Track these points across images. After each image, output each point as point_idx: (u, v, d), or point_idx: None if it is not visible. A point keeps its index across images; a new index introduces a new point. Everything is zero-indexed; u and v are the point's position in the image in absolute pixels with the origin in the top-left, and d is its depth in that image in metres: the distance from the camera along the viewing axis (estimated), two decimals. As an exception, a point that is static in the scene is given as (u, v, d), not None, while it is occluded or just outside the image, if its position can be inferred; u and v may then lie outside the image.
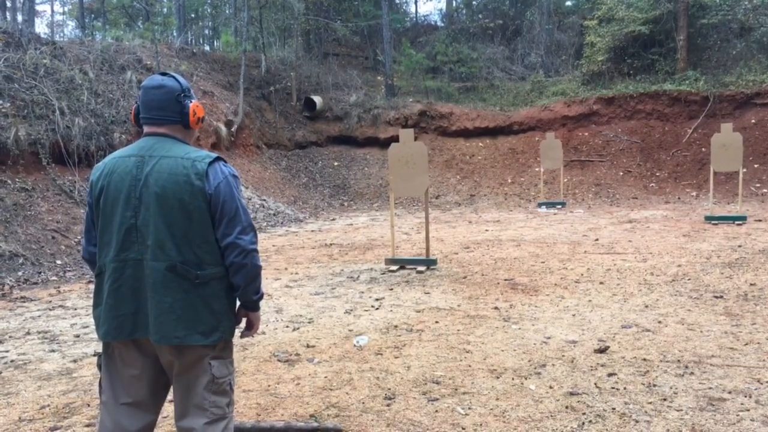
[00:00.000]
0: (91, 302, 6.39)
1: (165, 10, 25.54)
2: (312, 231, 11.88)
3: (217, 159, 2.21)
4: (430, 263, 7.57)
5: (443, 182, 16.89)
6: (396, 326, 5.12)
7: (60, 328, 5.46)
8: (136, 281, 2.12)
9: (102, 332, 2.16)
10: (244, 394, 3.73)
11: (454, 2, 27.39)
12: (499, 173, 17.24)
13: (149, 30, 19.39)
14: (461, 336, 4.79)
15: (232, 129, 16.06)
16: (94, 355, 4.54)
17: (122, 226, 2.13)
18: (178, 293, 2.10)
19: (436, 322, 5.23)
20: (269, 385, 3.88)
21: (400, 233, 10.72)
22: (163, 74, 2.26)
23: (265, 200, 14.04)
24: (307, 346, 4.65)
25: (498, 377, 3.88)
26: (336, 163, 18.13)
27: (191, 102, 2.25)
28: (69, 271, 8.25)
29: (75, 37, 19.06)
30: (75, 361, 4.52)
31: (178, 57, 17.62)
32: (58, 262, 8.52)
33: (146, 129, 2.23)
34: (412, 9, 28.19)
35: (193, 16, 27.32)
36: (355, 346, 4.65)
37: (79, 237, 9.34)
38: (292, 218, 13.54)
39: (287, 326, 5.24)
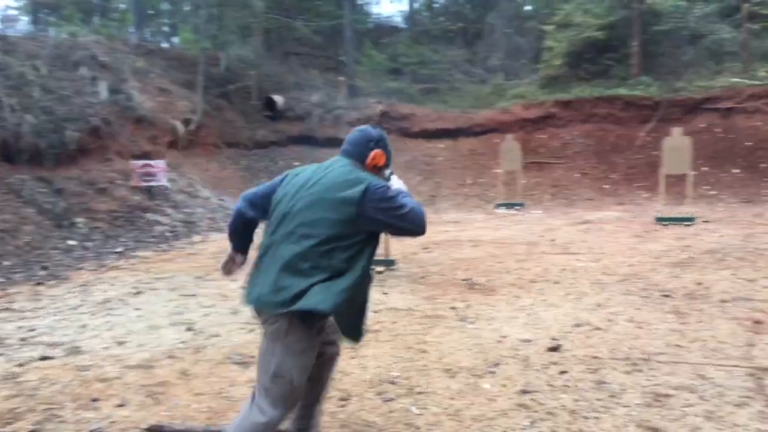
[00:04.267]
0: (37, 305, 6.23)
1: (122, 5, 24.96)
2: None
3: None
4: (389, 264, 7.59)
5: (405, 183, 16.91)
6: (353, 327, 5.11)
7: (6, 332, 5.30)
8: None
9: None
10: (195, 398, 3.68)
11: (415, 4, 27.54)
12: (460, 174, 17.38)
13: (105, 26, 18.98)
14: (418, 336, 4.82)
15: (190, 128, 15.83)
16: (43, 359, 4.43)
17: None
18: None
19: (394, 322, 5.25)
20: (222, 388, 3.83)
21: (360, 234, 10.72)
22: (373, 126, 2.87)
23: (223, 200, 13.88)
24: (263, 348, 4.61)
25: (453, 376, 3.92)
26: (297, 163, 18.01)
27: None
28: (16, 272, 8.00)
29: (28, 32, 18.53)
30: (20, 365, 4.39)
31: (134, 53, 17.29)
32: (6, 263, 8.27)
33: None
34: (375, 10, 28.23)
35: (151, 12, 26.79)
36: (311, 346, 4.62)
37: (28, 237, 9.10)
38: (251, 218, 13.41)
39: (242, 328, 5.19)
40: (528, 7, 27.57)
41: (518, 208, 14.54)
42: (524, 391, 3.63)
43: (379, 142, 2.79)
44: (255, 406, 2.50)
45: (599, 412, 3.30)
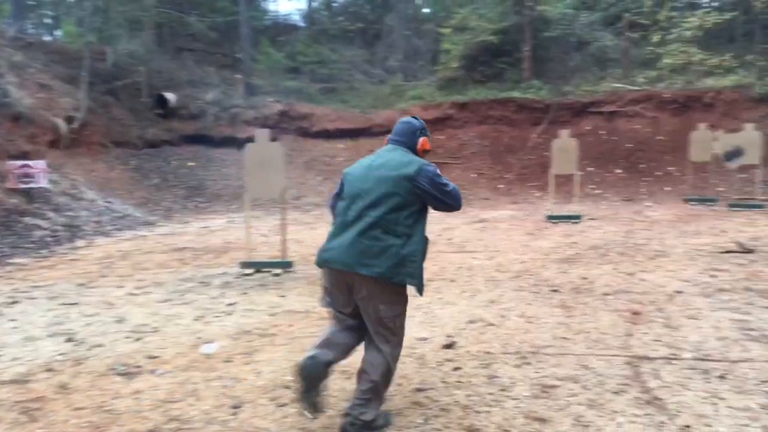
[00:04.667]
0: None
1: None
2: (163, 234, 11.31)
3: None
4: (286, 265, 7.46)
5: (304, 183, 16.79)
6: (248, 332, 4.98)
7: None
8: None
9: None
10: (74, 413, 3.44)
11: (314, 3, 27.37)
12: (359, 175, 17.43)
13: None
14: (315, 338, 4.74)
15: (74, 126, 14.92)
16: None
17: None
18: None
19: (291, 325, 5.15)
20: (104, 401, 3.60)
21: (258, 235, 10.49)
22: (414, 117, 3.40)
23: (110, 202, 13.17)
24: (150, 357, 4.39)
25: (350, 378, 3.88)
26: (191, 164, 17.42)
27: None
28: None
29: None
30: None
31: (11, 47, 16.09)
32: None
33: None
34: (272, 7, 27.79)
35: (31, 2, 25.05)
36: (203, 354, 4.46)
37: None
38: (141, 221, 12.81)
39: (128, 337, 4.92)
40: (426, 10, 28.09)
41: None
42: (419, 389, 3.65)
43: (424, 131, 3.37)
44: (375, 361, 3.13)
45: (490, 405, 3.37)
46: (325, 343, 3.15)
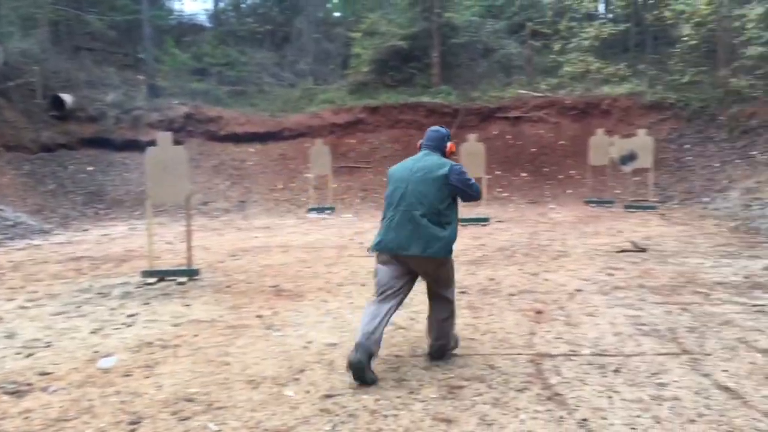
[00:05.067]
0: None
1: None
2: (59, 243, 10.69)
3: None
4: (192, 273, 7.22)
5: (212, 188, 16.35)
6: (150, 343, 4.76)
7: None
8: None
9: None
10: (-49, 439, 3.16)
11: (221, 3, 26.75)
12: (270, 179, 17.18)
13: None
14: (221, 348, 4.61)
15: (-41, 128, 13.86)
16: None
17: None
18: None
19: (195, 335, 4.97)
20: (-13, 424, 3.34)
21: (163, 243, 10.11)
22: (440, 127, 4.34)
23: (1, 210, 12.32)
24: (42, 374, 4.11)
25: (256, 387, 3.79)
26: (90, 168, 16.57)
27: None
28: None
29: None
30: None
31: None
32: None
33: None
34: (177, 7, 26.92)
35: None
36: (100, 369, 4.22)
37: None
38: (35, 230, 12.05)
39: (19, 353, 4.59)
40: (336, 14, 28.08)
41: (329, 212, 14.70)
42: (327, 396, 3.60)
43: (449, 137, 4.28)
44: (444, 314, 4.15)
45: (398, 409, 3.38)
46: (369, 327, 3.83)
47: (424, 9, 20.70)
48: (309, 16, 24.18)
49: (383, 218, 4.06)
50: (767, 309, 5.27)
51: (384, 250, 3.96)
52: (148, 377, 4.02)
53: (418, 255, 3.84)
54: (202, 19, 26.91)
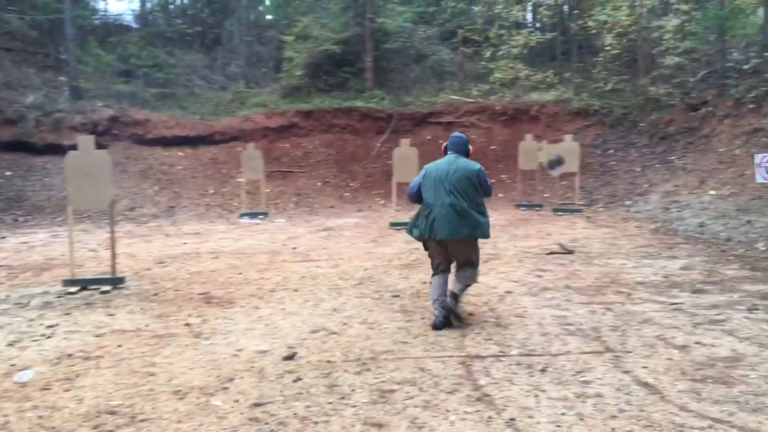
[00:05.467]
0: None
1: None
2: (-27, 252, 10.10)
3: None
4: (116, 282, 6.95)
5: (139, 193, 15.82)
6: (70, 355, 4.55)
7: None
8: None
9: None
10: None
11: (148, 4, 26.01)
12: (201, 184, 16.79)
13: None
14: (146, 358, 4.45)
15: None
16: None
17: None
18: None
19: (119, 346, 4.79)
20: None
21: (86, 250, 9.72)
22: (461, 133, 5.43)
23: None
24: (-49, 392, 3.86)
25: (182, 398, 3.68)
26: (8, 173, 15.72)
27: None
28: None
29: None
30: None
31: None
32: None
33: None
34: (102, 6, 25.98)
35: None
36: (16, 383, 4.00)
37: None
38: (-53, 238, 11.36)
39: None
40: (268, 17, 27.77)
41: (262, 217, 14.49)
42: (257, 404, 3.53)
43: (469, 142, 5.34)
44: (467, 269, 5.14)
45: (329, 415, 3.34)
46: (440, 291, 5.05)
47: (356, 14, 20.73)
48: (240, 18, 23.81)
49: (423, 211, 5.09)
50: (684, 307, 5.52)
51: (433, 239, 5.02)
52: (68, 390, 3.84)
53: (466, 237, 4.93)
54: (129, 19, 26.07)
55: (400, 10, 21.60)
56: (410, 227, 5.25)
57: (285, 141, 18.84)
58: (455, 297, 4.99)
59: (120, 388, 3.87)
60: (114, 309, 5.99)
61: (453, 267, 5.24)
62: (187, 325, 5.35)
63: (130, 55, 20.56)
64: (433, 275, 5.20)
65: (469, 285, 5.20)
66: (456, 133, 5.31)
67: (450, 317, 4.95)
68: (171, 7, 26.11)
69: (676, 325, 4.92)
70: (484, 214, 5.01)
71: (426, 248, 5.28)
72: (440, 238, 4.92)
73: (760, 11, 17.14)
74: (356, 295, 6.32)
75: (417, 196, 5.18)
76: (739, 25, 16.65)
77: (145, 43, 21.57)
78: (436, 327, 4.89)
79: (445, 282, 5.05)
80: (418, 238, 5.15)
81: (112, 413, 3.47)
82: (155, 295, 6.58)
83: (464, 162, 5.06)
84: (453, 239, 4.91)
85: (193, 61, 22.30)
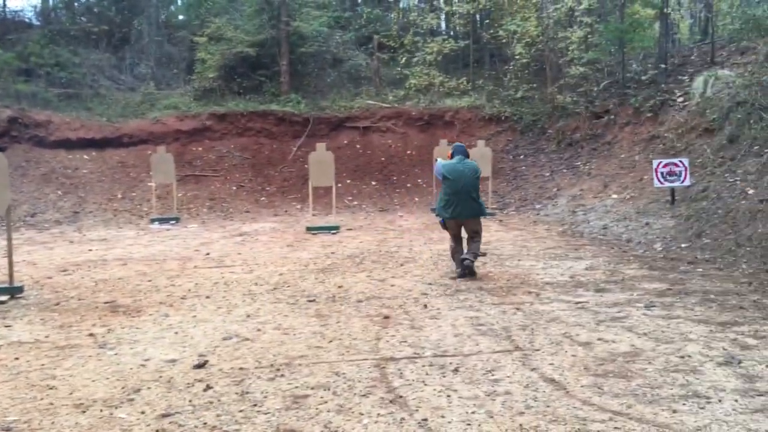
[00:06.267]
0: None
1: None
2: None
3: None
4: (14, 291, 6.55)
5: (40, 198, 14.98)
6: (-41, 371, 4.24)
7: None
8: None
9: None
10: None
11: (50, 0, 24.67)
12: (108, 188, 16.08)
13: None
14: (46, 371, 4.22)
15: None
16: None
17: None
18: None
19: (16, 358, 4.51)
20: None
21: (-20, 259, 9.10)
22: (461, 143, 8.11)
23: None
24: None
25: (84, 411, 3.50)
26: None
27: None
28: None
29: None
30: None
31: None
32: None
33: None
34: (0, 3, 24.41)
35: None
36: None
37: None
38: None
39: None
40: (180, 17, 26.99)
41: (173, 222, 14.06)
42: (164, 415, 3.41)
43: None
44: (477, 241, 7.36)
45: (240, 423, 3.27)
46: (461, 251, 7.29)
47: (271, 17, 20.48)
48: (150, 18, 23.02)
49: (445, 198, 7.19)
50: (588, 306, 5.78)
51: (454, 218, 7.18)
52: (-47, 410, 3.57)
53: (475, 216, 7.22)
54: (29, 16, 24.61)
55: (316, 14, 21.49)
56: (439, 210, 7.34)
57: (198, 144, 18.36)
58: (476, 256, 7.18)
59: (16, 402, 3.65)
60: (11, 320, 5.64)
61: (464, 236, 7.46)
62: (91, 335, 5.11)
63: (30, 53, 19.44)
64: (452, 244, 7.41)
65: (479, 249, 7.36)
66: (457, 143, 8.16)
67: (472, 269, 7.15)
68: (75, 4, 24.88)
69: (581, 323, 5.14)
70: (481, 201, 7.31)
71: (445, 227, 7.36)
72: (463, 218, 7.15)
73: (656, 25, 18.25)
74: (271, 301, 6.23)
75: (441, 176, 7.29)
76: (637, 38, 17.62)
77: (47, 41, 20.44)
78: (462, 276, 7.06)
79: (461, 245, 7.37)
80: (448, 218, 7.18)
81: (8, 429, 3.26)
82: (57, 304, 6.25)
83: (472, 163, 7.33)
84: (469, 218, 7.17)
85: (100, 61, 21.35)
